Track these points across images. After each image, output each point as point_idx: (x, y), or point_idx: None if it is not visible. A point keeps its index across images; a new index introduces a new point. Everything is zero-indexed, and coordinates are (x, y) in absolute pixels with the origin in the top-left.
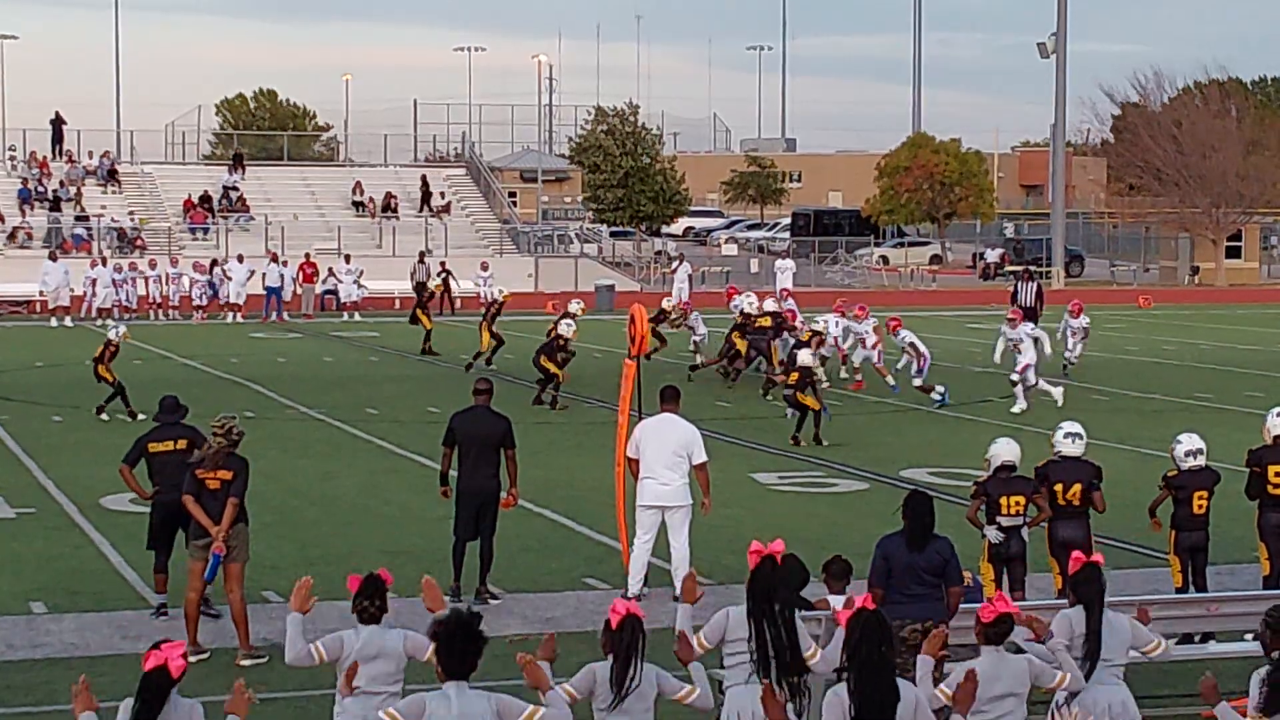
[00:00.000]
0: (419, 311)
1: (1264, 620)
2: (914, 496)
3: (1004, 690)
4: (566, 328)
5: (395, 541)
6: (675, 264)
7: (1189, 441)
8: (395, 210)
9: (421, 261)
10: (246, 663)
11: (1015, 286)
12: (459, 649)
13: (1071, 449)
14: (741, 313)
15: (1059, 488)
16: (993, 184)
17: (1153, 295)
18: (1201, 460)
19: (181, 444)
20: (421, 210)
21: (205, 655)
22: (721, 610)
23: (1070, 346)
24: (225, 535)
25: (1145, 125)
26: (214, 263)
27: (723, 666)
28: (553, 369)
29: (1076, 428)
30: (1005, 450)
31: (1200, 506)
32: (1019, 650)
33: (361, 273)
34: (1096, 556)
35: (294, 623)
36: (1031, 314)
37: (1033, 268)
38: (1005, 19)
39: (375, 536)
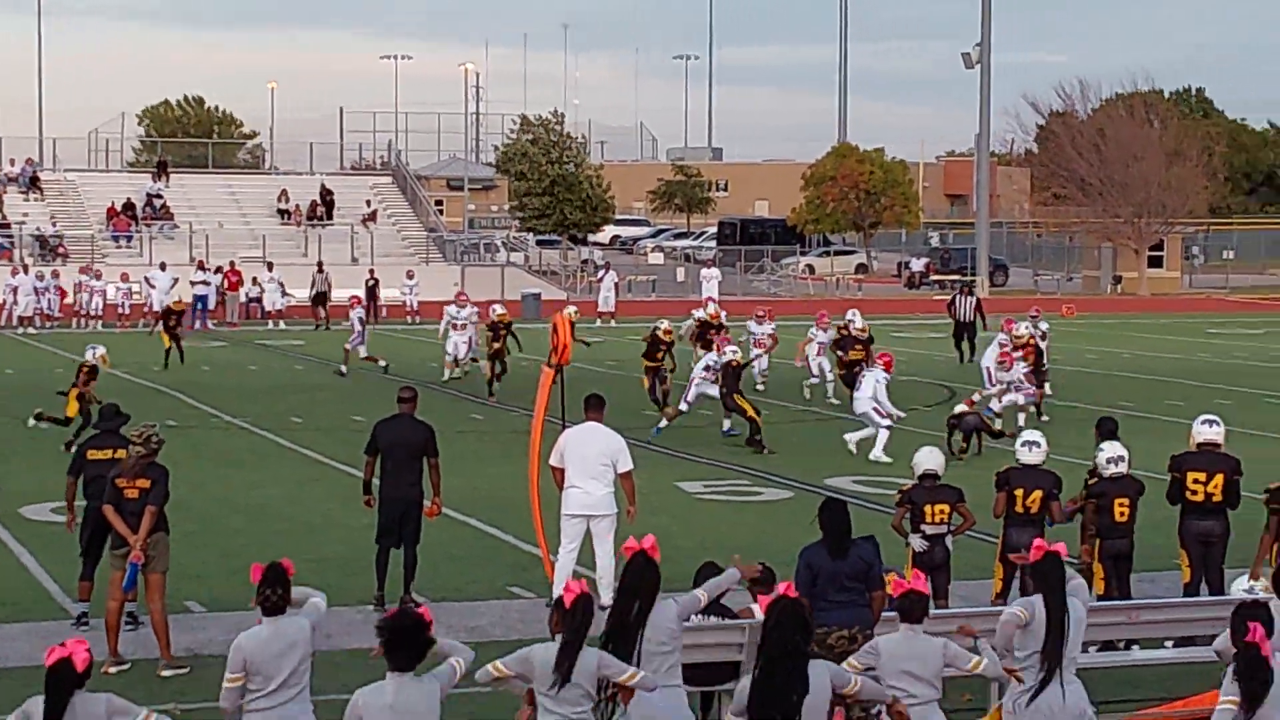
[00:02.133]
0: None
1: (1230, 621)
2: (828, 504)
3: (909, 669)
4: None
5: (319, 550)
6: (601, 272)
7: (1110, 449)
8: (321, 218)
9: (320, 271)
10: (167, 673)
11: (953, 299)
12: (403, 644)
13: (1030, 457)
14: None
15: (1019, 494)
16: (918, 193)
17: (1076, 304)
18: (1124, 468)
19: (120, 453)
20: (312, 219)
21: (126, 666)
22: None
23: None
24: (144, 544)
25: (1069, 135)
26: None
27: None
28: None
29: (1035, 436)
30: (928, 459)
31: (1122, 514)
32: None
33: (283, 282)
34: (1058, 545)
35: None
36: (970, 328)
37: (973, 283)
38: (931, 29)
39: (299, 545)
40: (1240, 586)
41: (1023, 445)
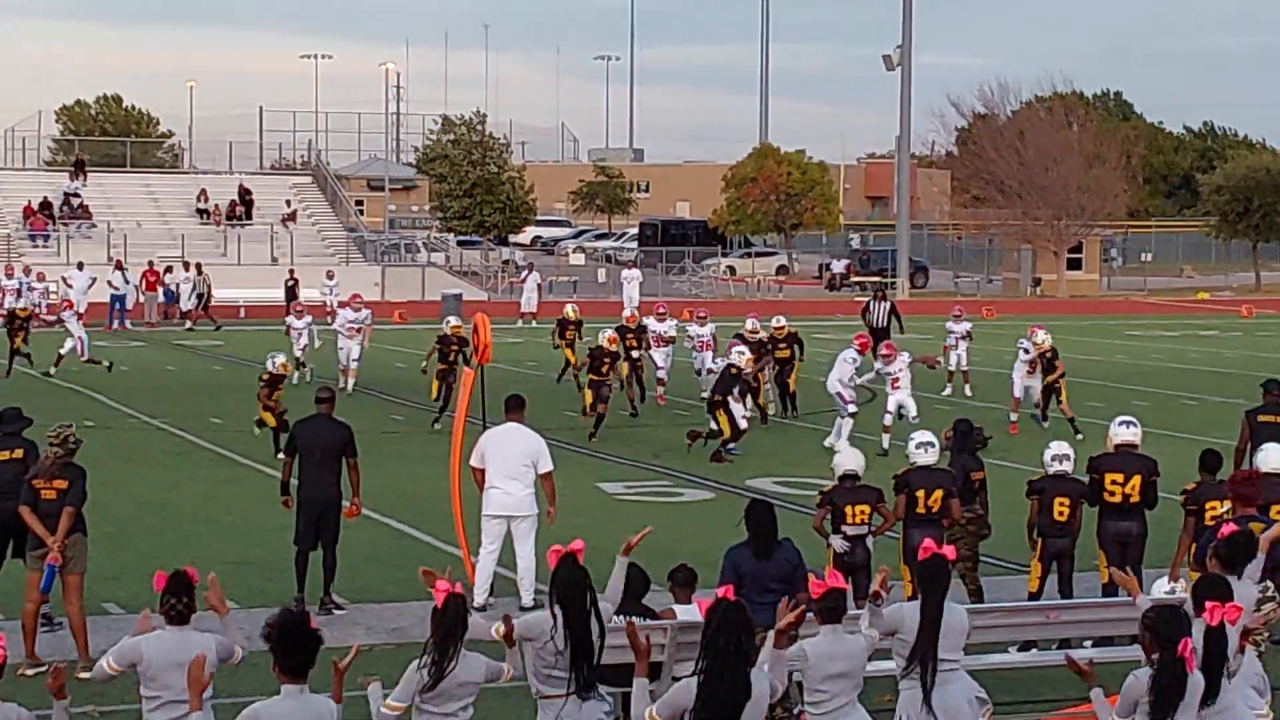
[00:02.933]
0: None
1: (1142, 622)
2: (754, 505)
3: (840, 670)
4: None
5: (238, 552)
6: (525, 273)
7: (1056, 447)
8: (241, 218)
9: (200, 273)
10: (85, 675)
11: (867, 305)
12: (293, 647)
13: (925, 458)
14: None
15: (920, 494)
16: (838, 195)
17: (995, 306)
18: (1067, 466)
19: (18, 453)
20: (231, 219)
21: (43, 668)
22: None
23: (958, 356)
24: (61, 545)
25: (989, 137)
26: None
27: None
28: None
29: (928, 436)
30: (849, 459)
31: (1061, 513)
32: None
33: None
34: (946, 549)
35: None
36: (885, 333)
37: (887, 288)
38: (853, 31)
39: (218, 547)
40: (1161, 588)
41: (917, 447)
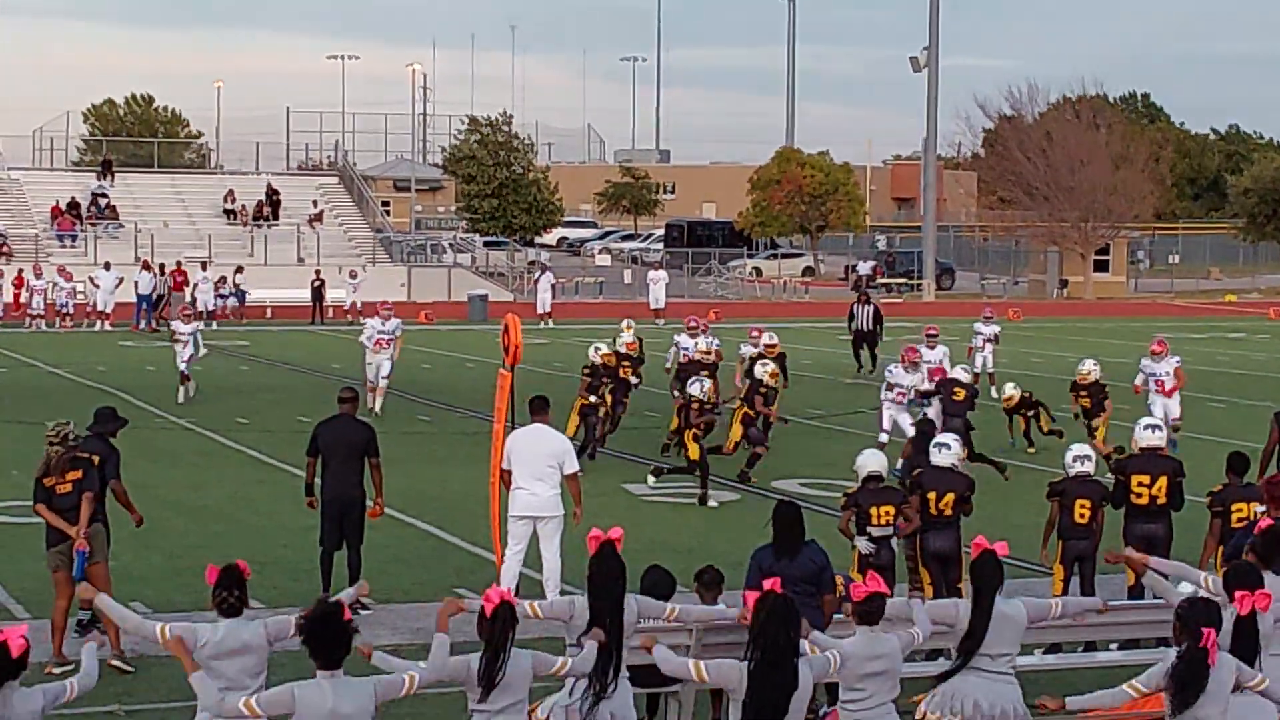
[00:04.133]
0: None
1: (1175, 611)
2: (781, 506)
3: (879, 669)
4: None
5: (264, 552)
6: (538, 273)
7: (1076, 449)
8: (267, 218)
9: (162, 273)
10: (117, 663)
11: (851, 309)
12: (328, 639)
13: (940, 459)
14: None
15: (931, 497)
16: (864, 197)
17: (1022, 308)
18: (1088, 468)
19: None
20: (258, 219)
21: (70, 666)
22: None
23: (984, 358)
24: (86, 532)
25: (1016, 139)
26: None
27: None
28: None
29: (947, 438)
30: (872, 461)
31: (1082, 515)
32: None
33: (222, 280)
34: (999, 545)
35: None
36: (870, 337)
37: (869, 290)
38: (879, 33)
39: (244, 547)
40: (1186, 589)
41: (934, 447)
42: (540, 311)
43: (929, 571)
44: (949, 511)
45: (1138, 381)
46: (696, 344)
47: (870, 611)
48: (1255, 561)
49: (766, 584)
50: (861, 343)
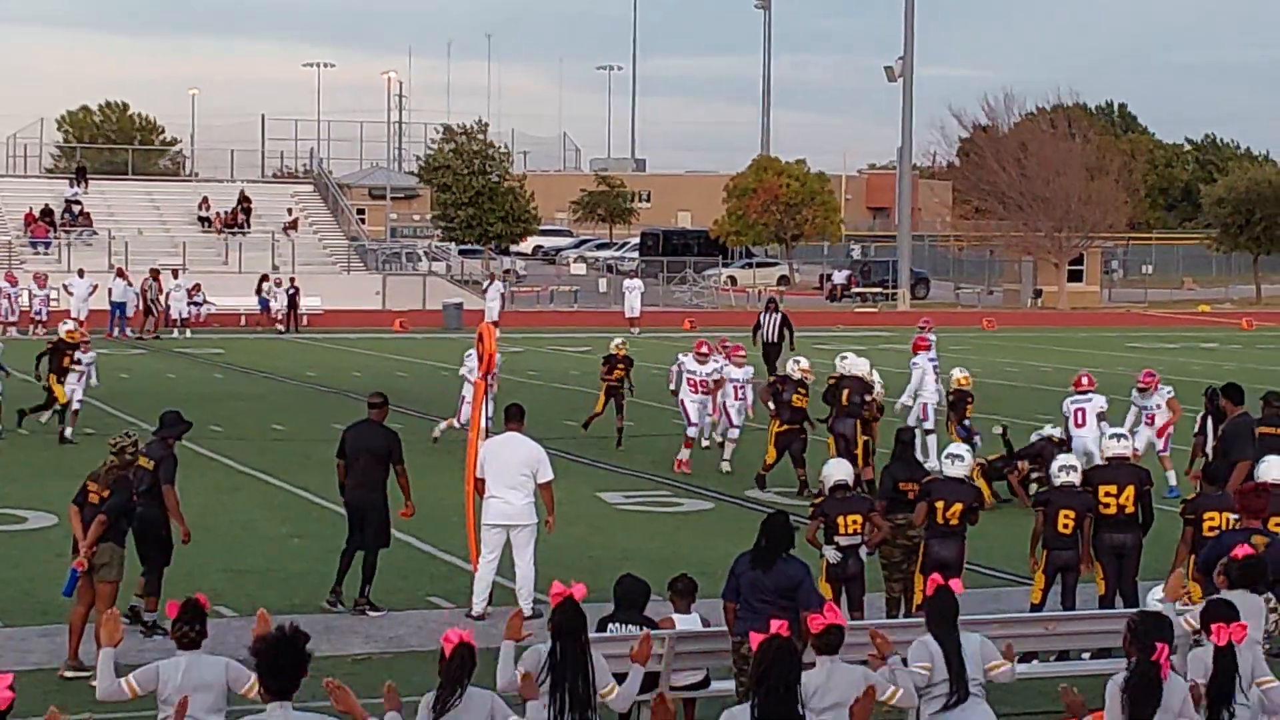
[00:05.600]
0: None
1: (1126, 625)
2: (771, 516)
3: (834, 700)
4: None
5: (238, 560)
6: (486, 283)
7: (1063, 459)
8: (241, 225)
9: (155, 279)
10: (70, 674)
11: (759, 318)
12: (281, 666)
13: (953, 470)
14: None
15: (940, 505)
16: (839, 206)
17: (996, 317)
18: (1074, 478)
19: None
20: (231, 226)
21: (84, 673)
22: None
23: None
24: (89, 552)
25: (991, 149)
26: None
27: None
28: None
29: (959, 449)
30: (839, 470)
31: (1065, 526)
32: (863, 661)
33: (196, 287)
34: (953, 582)
35: (105, 657)
36: (776, 349)
37: (776, 297)
38: (855, 42)
39: (218, 555)
40: (1155, 597)
41: (947, 458)
42: (487, 320)
43: (925, 580)
44: (955, 521)
45: (1129, 418)
46: (702, 370)
47: (829, 644)
48: (1227, 585)
49: (774, 626)
50: (769, 355)
